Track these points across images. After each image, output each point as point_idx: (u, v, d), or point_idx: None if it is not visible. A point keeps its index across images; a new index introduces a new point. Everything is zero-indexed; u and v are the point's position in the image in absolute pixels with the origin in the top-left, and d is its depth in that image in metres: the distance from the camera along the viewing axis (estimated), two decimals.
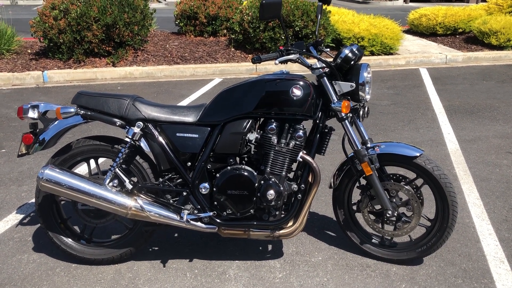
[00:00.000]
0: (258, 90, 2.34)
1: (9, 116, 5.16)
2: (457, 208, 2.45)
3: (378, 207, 2.55)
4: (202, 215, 2.44)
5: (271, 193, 2.34)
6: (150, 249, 2.76)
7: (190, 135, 2.41)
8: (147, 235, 2.58)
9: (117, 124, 2.43)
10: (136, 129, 2.40)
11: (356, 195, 2.65)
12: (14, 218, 3.09)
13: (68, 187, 2.35)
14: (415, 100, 5.88)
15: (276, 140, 2.35)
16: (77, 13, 6.78)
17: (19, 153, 2.47)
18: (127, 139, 2.42)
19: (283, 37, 7.46)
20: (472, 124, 4.97)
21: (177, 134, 2.41)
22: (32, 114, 2.41)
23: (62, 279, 2.50)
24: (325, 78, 2.37)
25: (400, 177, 2.53)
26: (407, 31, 10.33)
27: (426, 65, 7.99)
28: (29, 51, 7.70)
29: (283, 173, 2.37)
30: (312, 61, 2.46)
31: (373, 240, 2.68)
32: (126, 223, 2.61)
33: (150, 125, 2.41)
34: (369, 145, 2.46)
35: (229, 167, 2.39)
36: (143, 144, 2.43)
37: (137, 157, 2.49)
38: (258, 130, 2.44)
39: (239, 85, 2.41)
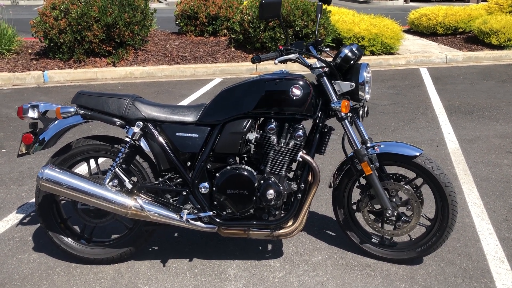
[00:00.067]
0: (257, 89, 2.34)
1: (9, 116, 5.17)
2: (457, 207, 2.45)
3: (378, 206, 2.55)
4: (202, 214, 2.44)
5: (270, 193, 2.34)
6: (150, 249, 2.76)
7: (190, 134, 2.41)
8: (147, 235, 2.58)
9: (117, 124, 2.44)
10: (136, 129, 2.40)
11: (356, 195, 2.65)
12: (14, 217, 3.10)
13: (68, 187, 2.35)
14: (415, 100, 5.88)
15: (275, 139, 2.35)
16: (78, 13, 6.78)
17: (19, 153, 2.48)
18: (127, 139, 2.43)
19: (283, 37, 7.46)
20: (472, 124, 4.97)
21: (177, 134, 2.41)
22: (32, 114, 2.42)
23: (62, 278, 2.50)
24: (324, 77, 2.37)
25: (400, 177, 2.53)
26: (408, 31, 10.33)
27: (427, 65, 7.99)
28: (29, 51, 7.71)
29: (283, 173, 2.37)
30: (311, 61, 2.46)
31: (373, 240, 2.68)
32: (126, 223, 2.61)
33: (150, 125, 2.41)
34: (368, 145, 2.46)
35: (228, 167, 2.39)
36: (143, 143, 2.44)
37: (137, 157, 2.49)
38: (258, 130, 2.44)
39: (239, 84, 2.41)
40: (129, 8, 7.04)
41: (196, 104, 2.50)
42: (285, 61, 2.36)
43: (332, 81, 2.38)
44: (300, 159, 2.38)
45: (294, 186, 2.42)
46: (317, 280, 2.49)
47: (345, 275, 2.53)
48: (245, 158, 2.46)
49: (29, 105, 2.42)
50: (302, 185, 2.41)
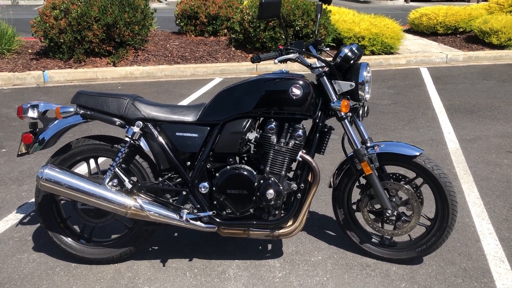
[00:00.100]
0: (257, 89, 2.34)
1: (9, 116, 5.17)
2: (457, 207, 2.45)
3: (377, 206, 2.55)
4: (201, 214, 2.44)
5: (270, 193, 2.33)
6: (150, 249, 2.76)
7: (189, 134, 2.41)
8: (147, 235, 2.58)
9: (117, 124, 2.44)
10: (136, 129, 2.40)
11: (355, 195, 2.65)
12: (14, 217, 3.10)
13: (68, 187, 2.35)
14: (415, 100, 5.87)
15: (275, 139, 2.35)
16: (78, 13, 6.78)
17: (19, 153, 2.47)
18: (126, 139, 2.42)
19: (283, 37, 7.46)
20: (472, 124, 4.96)
21: (177, 134, 2.41)
22: (32, 113, 2.42)
23: (62, 278, 2.50)
24: (324, 77, 2.37)
25: (400, 177, 2.53)
26: (408, 31, 10.32)
27: (427, 65, 7.98)
28: (29, 51, 7.71)
29: (283, 173, 2.37)
30: (311, 61, 2.46)
31: (373, 240, 2.68)
32: (125, 223, 2.61)
33: (149, 125, 2.41)
34: (368, 145, 2.46)
35: (228, 167, 2.39)
36: (143, 143, 2.44)
37: (137, 157, 2.49)
38: (258, 130, 2.44)
39: (239, 84, 2.41)
40: (129, 8, 7.04)
41: (196, 104, 2.49)
42: (285, 61, 2.36)
43: (332, 81, 2.37)
44: (300, 159, 2.38)
45: (294, 186, 2.41)
46: (317, 280, 2.49)
47: (345, 275, 2.53)
48: (245, 158, 2.46)
49: (29, 105, 2.42)
50: (302, 185, 2.41)
